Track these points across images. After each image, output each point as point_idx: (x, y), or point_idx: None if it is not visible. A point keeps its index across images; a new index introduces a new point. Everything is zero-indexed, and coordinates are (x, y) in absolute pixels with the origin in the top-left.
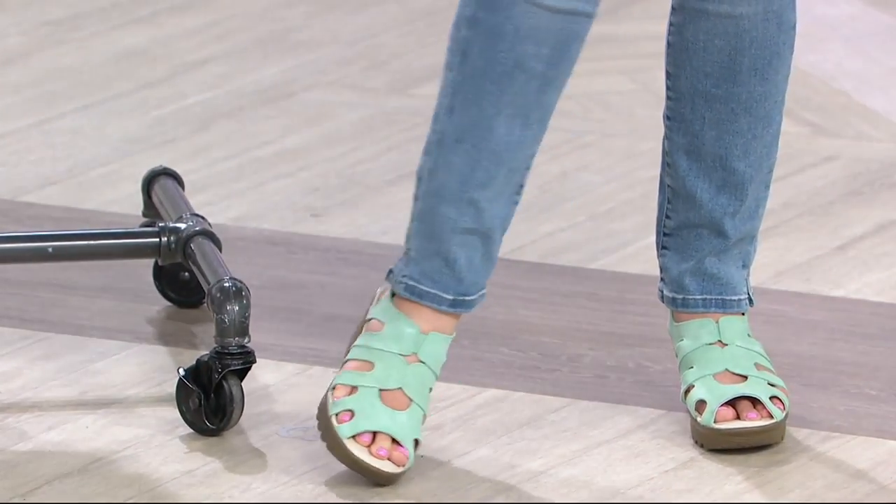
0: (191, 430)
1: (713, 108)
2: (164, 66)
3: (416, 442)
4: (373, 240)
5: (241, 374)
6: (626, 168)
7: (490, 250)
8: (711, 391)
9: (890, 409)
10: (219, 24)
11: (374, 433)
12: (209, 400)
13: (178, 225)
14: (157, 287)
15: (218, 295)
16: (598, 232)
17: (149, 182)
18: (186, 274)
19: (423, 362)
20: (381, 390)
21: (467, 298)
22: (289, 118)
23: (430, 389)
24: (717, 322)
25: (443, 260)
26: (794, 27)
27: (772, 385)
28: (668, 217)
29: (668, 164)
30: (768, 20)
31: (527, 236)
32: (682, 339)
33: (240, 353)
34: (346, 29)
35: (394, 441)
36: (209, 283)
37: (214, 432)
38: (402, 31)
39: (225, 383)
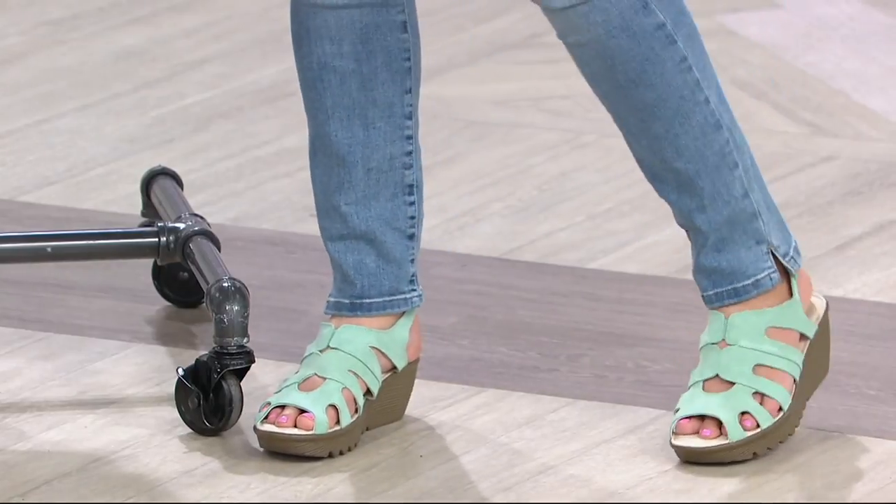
0: (190, 430)
1: (628, 123)
2: (163, 66)
3: (334, 408)
4: None
5: (241, 374)
6: (624, 168)
7: (383, 253)
8: (688, 401)
9: (889, 408)
10: (217, 24)
11: (282, 408)
12: (208, 400)
13: (177, 225)
14: (156, 287)
15: (217, 295)
16: (597, 232)
17: (148, 182)
18: (185, 274)
19: (336, 348)
20: (299, 383)
21: (366, 301)
22: (287, 118)
23: (358, 370)
24: (727, 318)
25: (336, 268)
26: (659, 28)
27: (758, 394)
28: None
29: None
30: (616, 37)
31: (525, 236)
32: (704, 334)
33: (239, 353)
34: None
35: (302, 412)
36: (208, 283)
37: (213, 432)
38: None
39: (224, 383)
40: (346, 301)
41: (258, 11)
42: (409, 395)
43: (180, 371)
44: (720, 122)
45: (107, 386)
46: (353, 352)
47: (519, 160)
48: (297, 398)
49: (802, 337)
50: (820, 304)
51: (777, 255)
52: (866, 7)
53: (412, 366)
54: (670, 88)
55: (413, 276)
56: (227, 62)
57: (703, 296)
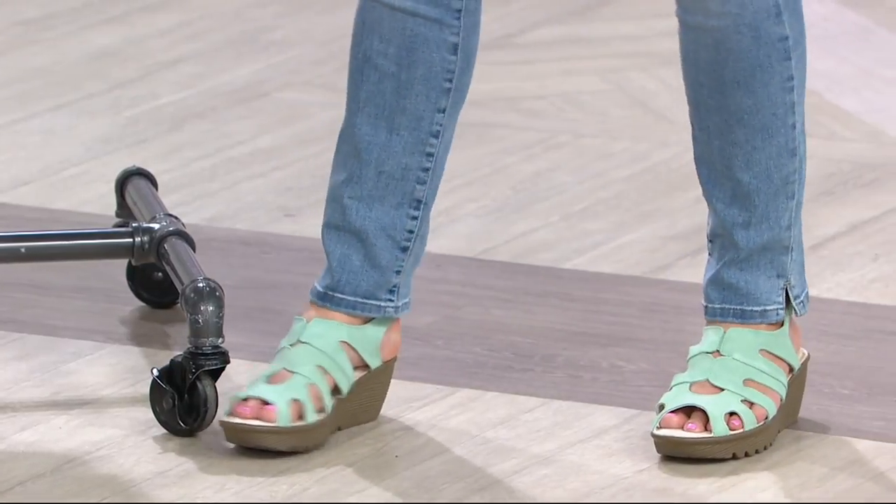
0: (164, 431)
1: (712, 119)
2: (137, 66)
3: (298, 402)
4: None
5: (215, 374)
6: (599, 168)
7: (371, 256)
8: (674, 397)
9: (863, 408)
10: (191, 24)
11: (246, 400)
12: (183, 400)
13: (152, 225)
14: (131, 287)
15: (192, 295)
16: (572, 232)
17: (122, 182)
18: (160, 274)
19: (306, 342)
20: (267, 377)
21: (338, 295)
22: (262, 118)
23: (326, 366)
24: (724, 332)
25: (326, 253)
26: (781, 40)
27: (746, 401)
28: (707, 224)
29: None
30: (741, 33)
31: (500, 236)
32: (696, 344)
33: (214, 354)
34: (318, 29)
35: (265, 404)
36: (183, 284)
37: (188, 433)
38: None
39: (199, 384)
40: (321, 289)
41: (232, 11)
42: (385, 394)
43: (155, 371)
44: (796, 151)
45: (81, 387)
46: (323, 347)
47: (494, 160)
48: (261, 390)
49: (789, 369)
50: (802, 355)
51: (791, 294)
52: (839, 7)
53: (387, 365)
54: (768, 101)
55: (395, 286)
56: (201, 62)
57: (707, 306)
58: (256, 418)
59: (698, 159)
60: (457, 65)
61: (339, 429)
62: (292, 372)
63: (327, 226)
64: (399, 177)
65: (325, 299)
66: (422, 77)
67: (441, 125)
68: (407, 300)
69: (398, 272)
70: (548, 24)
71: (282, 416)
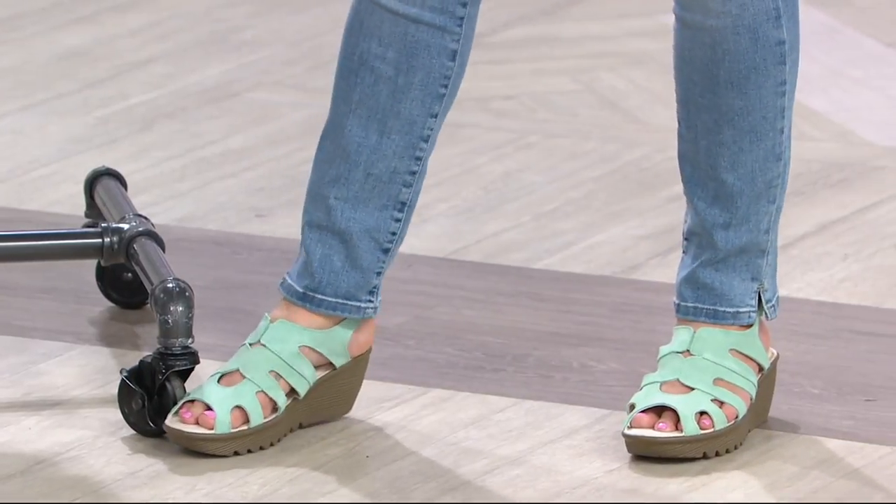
0: (134, 432)
1: (701, 117)
2: (107, 66)
3: (241, 409)
4: None
5: (185, 374)
6: (569, 168)
7: (353, 257)
8: (644, 397)
9: (832, 407)
10: (161, 24)
11: (193, 402)
12: (152, 401)
13: (121, 225)
14: (100, 288)
15: (161, 296)
16: (542, 232)
17: (91, 182)
18: (129, 274)
19: (264, 345)
20: (221, 375)
21: (318, 296)
22: (232, 118)
23: (281, 371)
24: (695, 332)
25: (304, 251)
26: (779, 44)
27: (717, 400)
28: (684, 222)
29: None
30: (739, 34)
31: (471, 236)
32: (667, 344)
33: (183, 354)
34: (289, 29)
35: (207, 408)
36: (152, 284)
37: (158, 433)
38: None
39: (168, 384)
40: (300, 289)
41: (202, 11)
42: (357, 388)
43: (124, 372)
44: (782, 156)
45: (51, 387)
46: (280, 352)
47: (464, 160)
48: (207, 393)
49: (759, 368)
50: (772, 354)
51: (763, 298)
52: (807, 7)
53: (357, 361)
54: (760, 104)
55: (374, 288)
56: (171, 62)
57: (679, 304)
58: (196, 424)
59: (682, 157)
60: (454, 71)
61: (301, 426)
62: (244, 376)
63: (309, 225)
64: (387, 179)
65: (305, 300)
66: (419, 82)
67: (432, 129)
68: (380, 299)
69: (379, 273)
70: (518, 24)
71: (220, 423)
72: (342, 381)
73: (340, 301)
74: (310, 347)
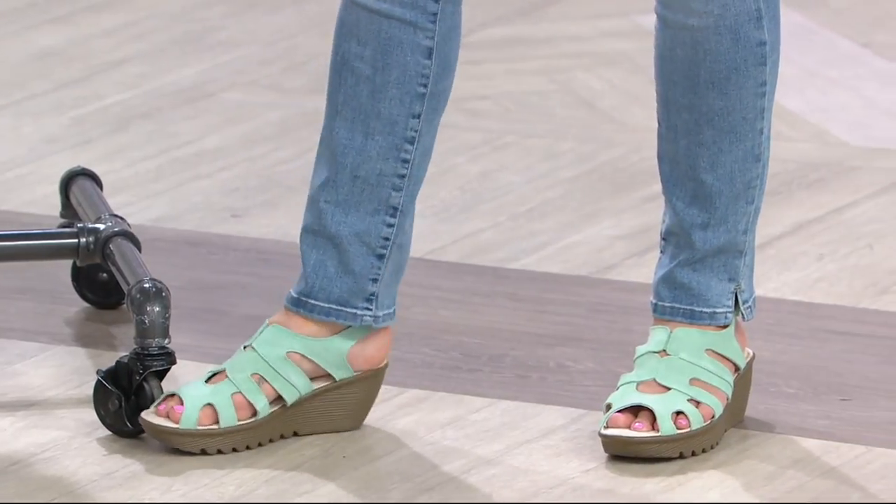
0: (110, 433)
1: (681, 117)
2: (82, 66)
3: (211, 407)
4: (293, 240)
5: (162, 375)
6: (546, 168)
7: (345, 262)
8: (621, 397)
9: (808, 407)
10: (136, 24)
11: (172, 397)
12: (129, 401)
13: (97, 226)
14: (76, 288)
15: (138, 296)
16: (519, 232)
17: (67, 182)
18: (105, 275)
19: (254, 349)
20: (210, 375)
21: (311, 302)
22: (208, 118)
23: (265, 375)
24: (671, 331)
25: (302, 258)
26: (760, 45)
27: (693, 400)
28: (662, 222)
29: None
30: (721, 34)
31: (447, 236)
32: (643, 344)
33: (160, 355)
34: (264, 29)
35: (180, 403)
36: (129, 284)
37: (134, 434)
38: (320, 31)
39: (145, 384)
40: (295, 295)
41: (177, 11)
42: (367, 404)
43: (100, 373)
44: (761, 157)
45: (26, 388)
46: (266, 355)
47: (440, 161)
48: (186, 389)
49: (735, 368)
50: (748, 354)
51: (740, 299)
52: (783, 8)
53: (365, 376)
54: (740, 105)
55: (372, 295)
56: (146, 62)
57: (656, 304)
58: (166, 417)
59: (662, 157)
60: (432, 69)
61: (297, 434)
62: (227, 377)
63: (305, 230)
64: (374, 182)
65: (299, 305)
66: (396, 81)
67: (416, 131)
68: (390, 311)
69: (375, 280)
70: (494, 25)
71: (185, 419)
72: (346, 395)
73: (333, 307)
74: (301, 354)
